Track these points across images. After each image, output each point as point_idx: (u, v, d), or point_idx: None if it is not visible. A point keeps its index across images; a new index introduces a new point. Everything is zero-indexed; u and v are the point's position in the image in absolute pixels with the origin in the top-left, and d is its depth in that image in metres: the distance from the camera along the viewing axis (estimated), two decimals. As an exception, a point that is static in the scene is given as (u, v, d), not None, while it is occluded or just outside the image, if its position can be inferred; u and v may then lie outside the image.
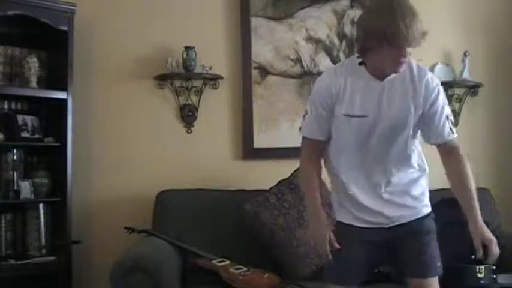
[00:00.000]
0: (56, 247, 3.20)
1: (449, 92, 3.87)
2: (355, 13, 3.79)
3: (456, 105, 3.90)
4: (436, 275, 2.23)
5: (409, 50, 1.99)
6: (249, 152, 3.65)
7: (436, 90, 2.12)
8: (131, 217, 3.33)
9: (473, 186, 2.18)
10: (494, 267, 2.94)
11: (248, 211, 3.21)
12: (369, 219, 2.18)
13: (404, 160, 2.18)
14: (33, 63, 3.22)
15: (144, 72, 3.58)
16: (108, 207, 3.49)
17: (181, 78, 3.60)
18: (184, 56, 3.54)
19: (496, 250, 2.12)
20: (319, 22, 3.77)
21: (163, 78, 3.58)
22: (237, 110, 3.68)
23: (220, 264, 3.02)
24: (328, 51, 3.78)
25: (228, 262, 3.05)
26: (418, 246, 2.20)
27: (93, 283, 3.41)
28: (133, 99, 3.58)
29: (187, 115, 3.63)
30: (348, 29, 3.80)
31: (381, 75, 2.07)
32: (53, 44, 3.32)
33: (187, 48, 3.53)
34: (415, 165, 2.22)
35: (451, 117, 2.19)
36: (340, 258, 2.16)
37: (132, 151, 3.56)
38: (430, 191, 3.52)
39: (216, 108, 3.67)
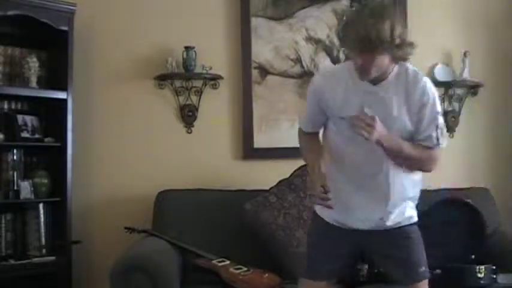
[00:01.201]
0: (56, 247, 3.20)
1: (449, 92, 3.88)
2: (355, 13, 3.80)
3: (456, 105, 3.90)
4: (421, 280, 2.20)
5: (381, 56, 1.93)
6: (249, 152, 3.65)
7: (430, 98, 2.06)
8: (131, 217, 3.33)
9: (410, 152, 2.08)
10: (494, 267, 2.94)
11: (248, 211, 3.21)
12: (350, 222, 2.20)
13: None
14: (33, 63, 3.22)
15: (144, 72, 3.58)
16: (108, 207, 3.50)
17: (181, 78, 3.60)
18: (184, 56, 3.54)
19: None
20: (319, 22, 3.77)
21: (163, 78, 3.58)
22: (237, 110, 3.68)
23: (220, 264, 3.02)
24: (328, 51, 3.78)
25: (228, 262, 3.05)
26: (399, 252, 2.21)
27: (93, 283, 3.41)
28: (133, 99, 3.58)
29: (187, 115, 3.63)
30: (348, 29, 3.79)
31: (373, 80, 2.05)
32: (53, 44, 3.32)
33: (187, 48, 3.53)
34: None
35: (443, 129, 2.12)
36: (312, 253, 2.24)
37: (132, 151, 3.56)
38: (430, 191, 3.56)
39: (216, 108, 3.68)
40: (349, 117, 2.00)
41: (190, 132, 3.64)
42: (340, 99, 2.09)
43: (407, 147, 2.06)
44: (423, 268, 2.20)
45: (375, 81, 2.05)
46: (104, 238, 3.46)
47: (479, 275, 2.90)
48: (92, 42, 3.53)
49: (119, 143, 3.55)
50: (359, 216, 2.18)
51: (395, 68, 2.06)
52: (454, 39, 3.91)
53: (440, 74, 3.86)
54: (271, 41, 3.73)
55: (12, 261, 3.03)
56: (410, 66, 2.10)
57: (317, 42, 3.77)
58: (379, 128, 1.96)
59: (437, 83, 3.83)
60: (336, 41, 3.78)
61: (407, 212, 2.24)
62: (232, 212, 3.26)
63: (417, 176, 2.24)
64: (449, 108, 3.89)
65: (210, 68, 3.59)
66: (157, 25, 3.61)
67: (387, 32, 1.89)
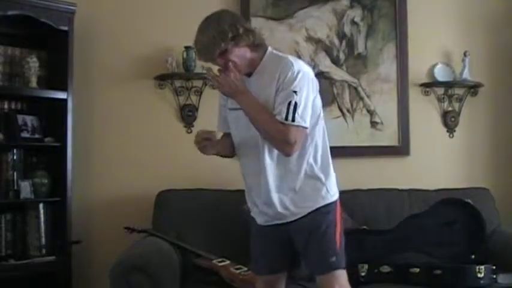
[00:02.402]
0: (56, 247, 3.20)
1: (449, 92, 3.88)
2: (355, 13, 3.80)
3: (456, 105, 3.90)
4: (331, 270, 2.18)
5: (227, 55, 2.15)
6: (249, 152, 3.65)
7: (287, 76, 2.10)
8: (131, 217, 3.33)
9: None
10: (494, 267, 2.95)
11: (248, 211, 3.20)
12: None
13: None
14: (33, 63, 3.22)
15: (144, 72, 3.58)
16: (108, 207, 3.49)
17: (181, 78, 3.60)
18: (184, 56, 3.54)
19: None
20: (319, 22, 3.77)
21: (163, 78, 3.58)
22: (237, 110, 3.67)
23: (220, 264, 3.02)
24: (328, 51, 3.78)
25: (228, 262, 3.05)
26: (308, 243, 2.20)
27: (93, 283, 3.41)
28: (133, 99, 3.58)
29: (187, 115, 3.63)
30: (347, 29, 3.80)
31: (248, 74, 2.23)
32: (53, 44, 3.33)
33: (187, 48, 3.53)
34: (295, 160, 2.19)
35: (299, 108, 2.07)
36: (253, 249, 2.38)
37: (132, 151, 3.56)
38: (430, 191, 3.56)
39: (216, 108, 3.65)
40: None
41: (190, 132, 3.64)
42: None
43: (259, 109, 2.12)
44: (334, 258, 2.17)
45: (249, 74, 2.23)
46: (104, 238, 3.46)
47: (479, 275, 2.90)
48: (92, 42, 3.53)
49: (119, 143, 3.55)
50: (260, 207, 2.26)
51: (265, 58, 2.22)
52: (454, 39, 3.91)
53: (440, 74, 3.86)
54: (271, 41, 3.70)
55: (12, 261, 3.04)
56: (279, 53, 2.25)
57: (317, 42, 3.77)
58: (230, 82, 2.15)
59: (437, 83, 3.85)
60: (336, 41, 3.78)
61: (301, 203, 2.20)
62: (232, 212, 3.26)
63: (294, 165, 2.20)
64: (449, 108, 3.89)
65: (210, 68, 3.58)
66: (157, 25, 3.61)
67: (213, 32, 2.13)
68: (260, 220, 2.30)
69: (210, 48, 2.14)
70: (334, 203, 2.25)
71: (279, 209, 2.20)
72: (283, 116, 2.06)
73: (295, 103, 2.06)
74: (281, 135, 2.07)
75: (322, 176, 2.22)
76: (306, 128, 2.11)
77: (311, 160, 2.20)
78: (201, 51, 2.21)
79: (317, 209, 2.20)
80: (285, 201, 2.20)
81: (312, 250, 2.19)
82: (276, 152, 2.16)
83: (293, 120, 2.06)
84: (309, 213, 2.20)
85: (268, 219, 2.26)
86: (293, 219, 2.21)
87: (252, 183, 2.27)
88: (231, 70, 2.15)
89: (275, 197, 2.19)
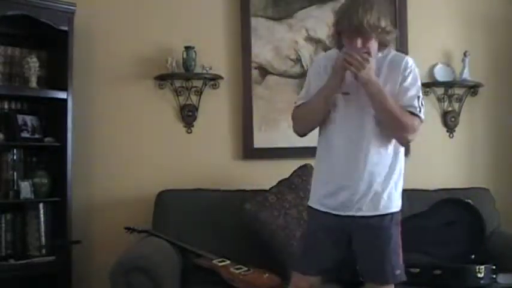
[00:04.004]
0: (56, 247, 3.20)
1: (449, 92, 3.88)
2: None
3: (456, 105, 3.90)
4: (393, 283, 2.21)
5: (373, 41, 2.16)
6: (249, 152, 3.65)
7: (412, 72, 2.24)
8: (131, 217, 3.34)
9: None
10: (494, 267, 2.95)
11: (248, 211, 3.21)
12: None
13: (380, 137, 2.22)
14: (33, 63, 3.22)
15: (144, 72, 3.58)
16: (108, 207, 3.50)
17: (181, 78, 3.60)
18: (184, 56, 3.54)
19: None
20: (319, 22, 3.77)
21: (163, 78, 3.58)
22: (237, 110, 3.68)
23: (220, 264, 3.02)
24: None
25: (228, 262, 3.05)
26: (375, 247, 2.20)
27: (93, 283, 3.41)
28: (133, 99, 3.58)
29: (187, 115, 3.63)
30: (348, 29, 3.79)
31: None
32: (53, 44, 3.33)
33: (187, 48, 3.53)
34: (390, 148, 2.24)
35: (423, 102, 2.27)
36: (305, 246, 2.30)
37: (132, 151, 3.56)
38: (430, 191, 3.56)
39: (216, 108, 3.68)
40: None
41: (190, 132, 3.64)
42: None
43: (391, 100, 2.15)
44: (398, 271, 2.20)
45: None
46: (104, 238, 3.46)
47: (479, 275, 2.90)
48: (92, 42, 3.53)
49: (119, 142, 3.55)
50: (338, 184, 2.21)
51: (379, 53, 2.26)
52: (454, 39, 3.91)
53: (440, 74, 3.85)
54: (271, 41, 3.73)
55: (12, 261, 3.04)
56: (392, 49, 2.33)
57: (317, 42, 3.77)
58: (370, 68, 2.11)
59: (437, 83, 3.85)
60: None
61: (384, 199, 2.21)
62: (232, 212, 3.26)
63: (397, 162, 2.25)
64: (449, 108, 3.89)
65: (210, 68, 3.59)
66: (157, 25, 3.61)
67: (373, 19, 2.12)
68: (334, 204, 2.23)
69: (374, 30, 2.14)
70: (399, 212, 2.28)
71: (371, 197, 2.19)
72: (416, 106, 2.19)
73: (422, 98, 2.24)
74: (412, 124, 2.18)
75: (401, 181, 2.28)
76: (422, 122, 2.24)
77: (401, 163, 2.29)
78: (366, 28, 2.13)
79: (394, 213, 2.23)
80: (379, 192, 2.20)
81: (380, 256, 2.18)
82: (385, 142, 2.20)
83: (420, 111, 2.21)
84: (388, 214, 2.21)
85: (341, 202, 2.20)
86: (371, 214, 2.20)
87: (342, 164, 2.21)
88: (371, 55, 2.15)
89: (375, 184, 2.19)
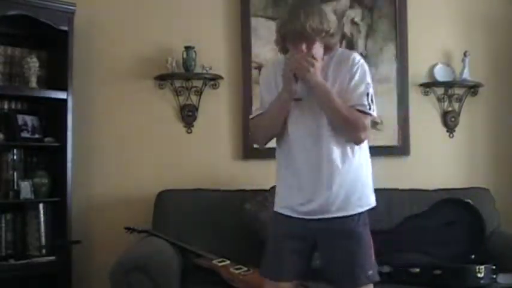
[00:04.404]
0: (56, 247, 3.20)
1: (449, 92, 3.88)
2: (355, 13, 3.80)
3: (456, 105, 3.90)
4: (365, 284, 2.16)
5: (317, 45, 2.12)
6: (249, 152, 3.65)
7: (359, 69, 2.18)
8: (131, 217, 3.34)
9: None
10: (494, 267, 2.95)
11: (248, 211, 3.21)
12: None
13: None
14: (33, 63, 3.22)
15: (144, 72, 3.58)
16: (108, 207, 3.50)
17: (181, 78, 3.60)
18: (184, 56, 3.54)
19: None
20: (319, 22, 3.77)
21: (163, 78, 3.58)
22: (237, 110, 3.68)
23: (220, 264, 3.02)
24: (328, 51, 3.77)
25: (228, 262, 3.05)
26: (346, 254, 2.16)
27: (93, 283, 3.41)
28: (133, 99, 3.58)
29: (187, 115, 3.63)
30: (348, 29, 3.79)
31: None
32: (53, 44, 3.33)
33: (187, 48, 3.53)
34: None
35: (373, 99, 2.19)
36: (272, 253, 2.26)
37: (132, 151, 3.56)
38: (430, 191, 3.56)
39: (216, 108, 3.67)
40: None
41: (190, 132, 3.64)
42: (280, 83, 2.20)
43: (339, 101, 2.12)
44: (371, 272, 2.16)
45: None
46: (104, 238, 3.46)
47: (479, 275, 2.90)
48: (92, 42, 3.53)
49: (119, 143, 3.55)
50: (307, 195, 2.17)
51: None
52: (454, 39, 3.91)
53: (440, 74, 3.85)
54: (271, 41, 3.67)
55: (12, 261, 3.04)
56: (339, 48, 2.27)
57: (317, 42, 3.76)
58: (316, 71, 2.09)
59: (437, 83, 3.85)
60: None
61: (353, 198, 2.19)
62: (232, 212, 3.26)
63: (357, 158, 2.23)
64: (449, 108, 3.89)
65: (210, 68, 3.59)
66: (157, 25, 3.61)
67: (320, 23, 2.09)
68: (304, 210, 2.20)
69: (317, 34, 2.10)
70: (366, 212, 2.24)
71: (334, 199, 2.16)
72: (366, 104, 2.14)
73: (372, 95, 2.17)
74: (363, 123, 2.14)
75: (370, 178, 2.26)
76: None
77: (366, 159, 2.27)
78: (308, 33, 2.10)
79: (361, 214, 2.20)
80: (348, 195, 2.17)
81: (350, 258, 2.15)
82: (342, 143, 2.17)
83: (370, 109, 2.15)
84: (355, 215, 2.18)
85: (312, 209, 2.17)
86: (340, 215, 2.16)
87: (305, 174, 2.18)
88: (316, 59, 2.11)
89: (335, 187, 2.15)
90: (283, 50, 2.24)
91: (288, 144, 2.23)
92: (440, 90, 3.88)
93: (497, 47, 3.96)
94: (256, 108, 2.34)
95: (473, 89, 3.90)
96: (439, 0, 3.92)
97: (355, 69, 2.16)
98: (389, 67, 3.81)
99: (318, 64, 2.11)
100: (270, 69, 2.34)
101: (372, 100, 2.16)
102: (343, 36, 3.79)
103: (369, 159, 2.29)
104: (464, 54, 3.80)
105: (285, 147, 2.25)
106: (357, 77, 2.16)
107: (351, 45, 3.78)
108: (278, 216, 2.29)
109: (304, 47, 2.10)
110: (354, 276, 2.14)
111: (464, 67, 3.81)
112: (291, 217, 2.23)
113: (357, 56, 2.20)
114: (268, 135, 2.29)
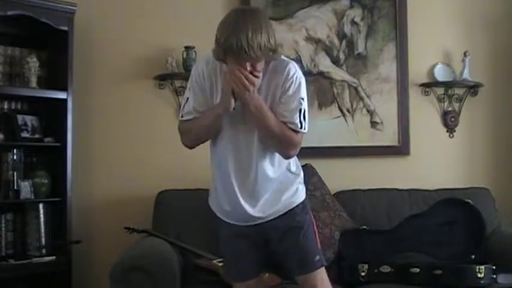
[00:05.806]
0: (56, 247, 3.20)
1: (449, 92, 3.87)
2: (355, 13, 3.80)
3: (456, 105, 3.90)
4: (317, 268, 2.20)
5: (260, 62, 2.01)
6: (249, 152, 3.65)
7: (293, 83, 2.11)
8: (131, 217, 3.33)
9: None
10: (494, 267, 2.94)
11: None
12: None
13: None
14: (33, 63, 3.22)
15: (144, 72, 3.58)
16: (108, 207, 3.50)
17: (181, 78, 3.59)
18: (184, 56, 3.54)
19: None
20: (319, 22, 3.77)
21: (163, 78, 3.58)
22: (237, 110, 3.67)
23: (220, 264, 3.01)
24: (328, 51, 3.78)
25: (228, 262, 3.04)
26: (292, 243, 2.20)
27: (93, 283, 3.41)
28: (133, 99, 3.58)
29: (187, 115, 3.63)
30: (348, 29, 3.79)
31: None
32: (53, 44, 3.33)
33: (187, 48, 3.53)
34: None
35: (306, 114, 2.14)
36: (226, 254, 2.31)
37: (132, 151, 3.56)
38: (430, 191, 3.56)
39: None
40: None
41: (190, 132, 3.64)
42: (218, 88, 2.13)
43: (272, 118, 2.07)
44: (318, 257, 2.20)
45: None
46: (104, 238, 3.46)
47: (479, 275, 2.90)
48: (92, 42, 3.53)
49: (119, 143, 3.55)
50: (234, 204, 2.19)
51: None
52: (454, 39, 3.91)
53: (440, 74, 3.85)
54: (271, 41, 3.72)
55: (12, 261, 3.04)
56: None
57: (317, 42, 3.77)
58: (254, 89, 2.02)
59: (437, 83, 3.85)
60: (336, 41, 3.78)
61: (288, 201, 2.22)
62: (232, 212, 3.26)
63: (290, 166, 2.25)
64: (449, 108, 3.89)
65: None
66: (157, 25, 3.61)
67: (264, 40, 1.96)
68: (237, 220, 2.23)
69: (260, 51, 1.97)
70: (305, 201, 2.27)
71: (264, 206, 2.18)
72: (297, 123, 2.10)
73: (304, 110, 2.11)
74: (294, 141, 2.12)
75: (299, 172, 2.28)
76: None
77: (295, 161, 2.28)
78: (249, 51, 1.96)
79: (296, 207, 2.22)
80: (282, 200, 2.20)
81: (299, 247, 2.19)
82: (271, 152, 2.17)
83: (302, 127, 2.11)
84: (294, 208, 2.21)
85: (248, 218, 2.20)
86: (274, 217, 2.19)
87: (235, 182, 2.18)
88: (258, 76, 2.03)
89: (263, 195, 2.18)
90: (222, 59, 2.06)
91: (218, 151, 2.22)
92: (440, 90, 3.88)
93: (497, 47, 3.95)
94: (187, 111, 2.20)
95: (473, 89, 3.90)
96: (439, 0, 3.92)
97: (289, 83, 2.09)
98: (389, 67, 3.81)
99: (258, 81, 2.04)
100: (204, 71, 2.17)
101: (304, 117, 2.11)
102: (344, 36, 3.79)
103: (297, 160, 2.29)
104: (464, 54, 3.80)
105: (215, 152, 2.24)
106: (290, 91, 2.09)
107: (351, 45, 3.78)
108: (220, 220, 2.30)
109: (248, 65, 1.98)
110: (305, 264, 2.18)
111: (464, 67, 3.81)
112: (228, 222, 2.26)
113: (292, 68, 2.12)
114: (200, 141, 2.26)
